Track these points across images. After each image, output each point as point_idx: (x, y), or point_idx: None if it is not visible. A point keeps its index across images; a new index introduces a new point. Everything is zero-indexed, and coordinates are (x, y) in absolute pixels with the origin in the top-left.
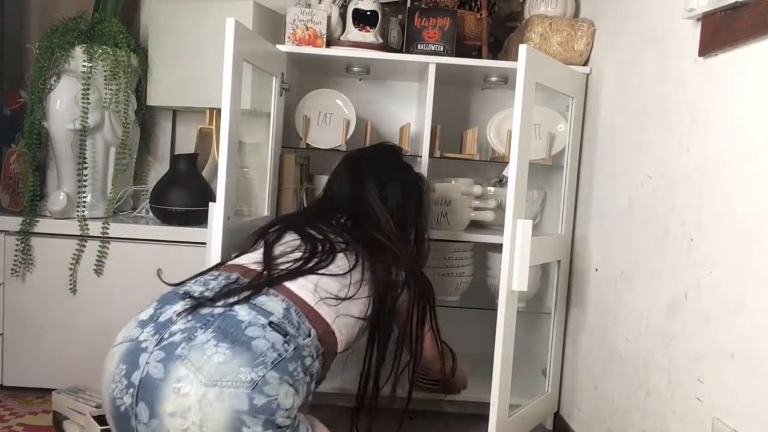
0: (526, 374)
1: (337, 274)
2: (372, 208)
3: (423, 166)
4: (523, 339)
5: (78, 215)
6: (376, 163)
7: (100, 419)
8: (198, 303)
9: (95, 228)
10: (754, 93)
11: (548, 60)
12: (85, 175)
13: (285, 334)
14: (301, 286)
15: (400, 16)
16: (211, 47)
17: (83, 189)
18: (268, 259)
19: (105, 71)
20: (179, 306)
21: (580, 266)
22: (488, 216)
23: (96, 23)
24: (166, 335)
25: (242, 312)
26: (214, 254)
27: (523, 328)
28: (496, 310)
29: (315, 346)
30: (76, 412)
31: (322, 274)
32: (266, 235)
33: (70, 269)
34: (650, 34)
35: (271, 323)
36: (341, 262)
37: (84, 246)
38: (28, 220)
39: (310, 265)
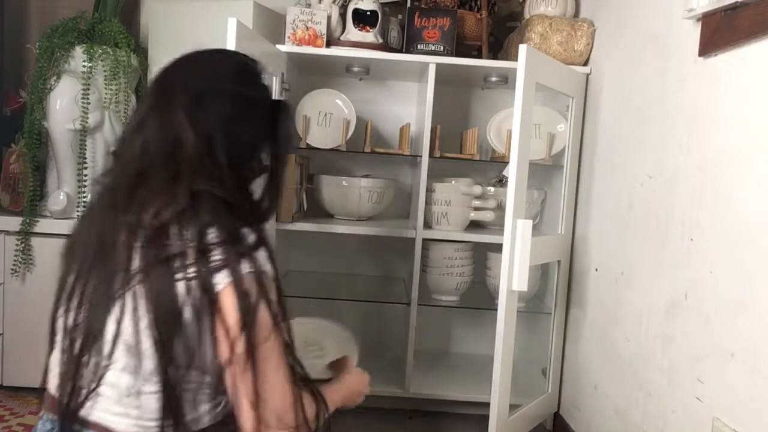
0: (526, 374)
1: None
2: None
3: (423, 166)
4: (523, 339)
5: (78, 215)
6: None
7: None
8: None
9: None
10: (754, 93)
11: (548, 60)
12: (85, 175)
13: None
14: (115, 414)
15: (400, 16)
16: (211, 47)
17: (83, 189)
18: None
19: (105, 71)
20: None
21: (580, 266)
22: (488, 216)
23: (96, 23)
24: None
25: None
26: None
27: (523, 328)
28: (496, 310)
29: None
30: None
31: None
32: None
33: None
34: (650, 34)
35: None
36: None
37: None
38: (28, 220)
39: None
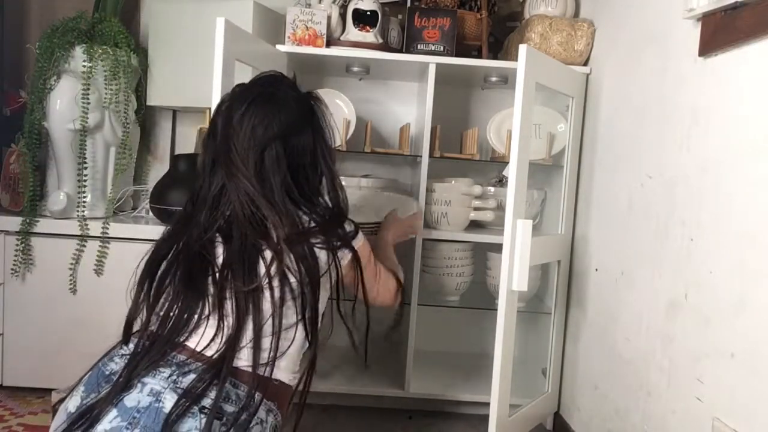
0: (526, 374)
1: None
2: (249, 200)
3: (423, 166)
4: (523, 339)
5: (78, 215)
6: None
7: None
8: (123, 385)
9: (95, 228)
10: (754, 93)
11: (548, 60)
12: (85, 175)
13: (221, 417)
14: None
15: (400, 16)
16: (211, 47)
17: (83, 189)
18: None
19: (105, 71)
20: (104, 395)
21: (580, 266)
22: (488, 216)
23: (96, 23)
24: None
25: (169, 403)
26: None
27: (523, 328)
28: (496, 310)
29: (263, 408)
30: None
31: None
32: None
33: (70, 269)
34: (650, 34)
35: (203, 409)
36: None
37: (84, 246)
38: (28, 220)
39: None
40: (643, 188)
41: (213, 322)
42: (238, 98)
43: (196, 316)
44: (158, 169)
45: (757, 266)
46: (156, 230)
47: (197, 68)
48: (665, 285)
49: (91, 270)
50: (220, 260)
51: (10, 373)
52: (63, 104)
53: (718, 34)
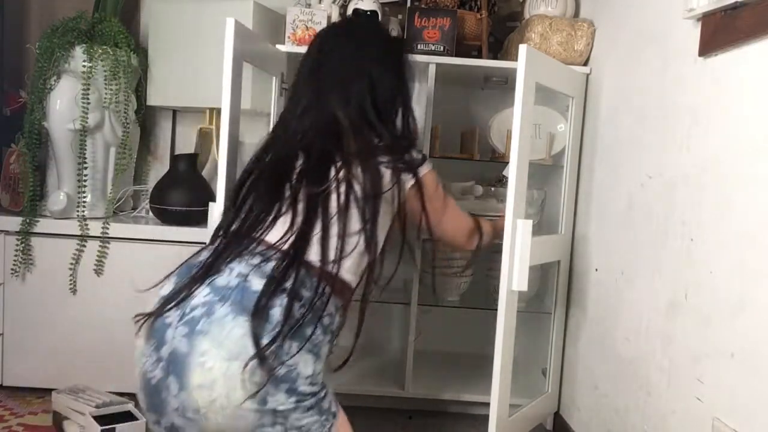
0: (526, 374)
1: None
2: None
3: None
4: (523, 339)
5: (78, 215)
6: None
7: (100, 419)
8: (213, 269)
9: (95, 228)
10: (754, 93)
11: (548, 60)
12: (85, 175)
13: (300, 299)
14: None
15: (400, 16)
16: (211, 47)
17: (83, 189)
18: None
19: (105, 71)
20: (195, 276)
21: (580, 266)
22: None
23: (96, 23)
24: (187, 310)
25: (256, 282)
26: None
27: (523, 328)
28: (496, 310)
29: (332, 304)
30: (76, 412)
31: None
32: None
33: (70, 269)
34: (650, 34)
35: (284, 290)
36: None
37: (84, 246)
38: (28, 220)
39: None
40: (643, 188)
41: (287, 219)
42: (336, 29)
43: (272, 216)
44: (158, 169)
45: (757, 266)
46: (156, 230)
47: (197, 68)
48: (665, 285)
49: (91, 270)
50: (298, 169)
51: (10, 373)
52: (63, 104)
53: (718, 34)
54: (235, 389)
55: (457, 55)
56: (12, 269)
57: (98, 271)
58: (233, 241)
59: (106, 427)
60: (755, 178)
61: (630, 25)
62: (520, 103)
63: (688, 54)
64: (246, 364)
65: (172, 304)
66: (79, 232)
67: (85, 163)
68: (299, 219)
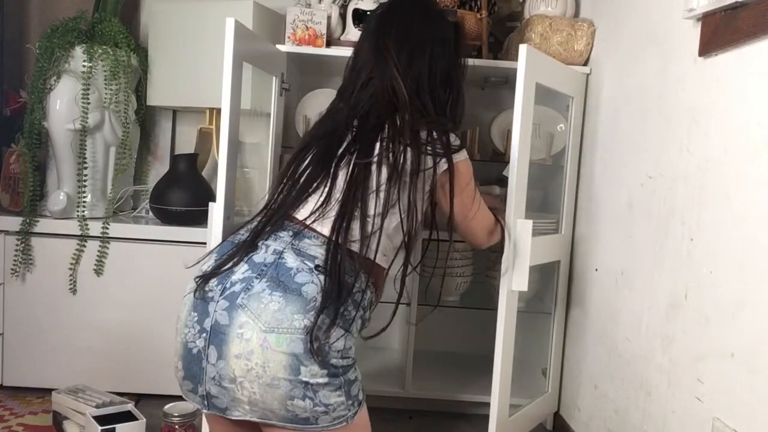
0: (526, 374)
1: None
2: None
3: None
4: (523, 339)
5: (78, 215)
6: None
7: (100, 419)
8: (250, 247)
9: (95, 228)
10: (754, 93)
11: (548, 60)
12: (85, 175)
13: (332, 276)
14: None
15: None
16: (211, 47)
17: (83, 189)
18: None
19: (105, 71)
20: (235, 253)
21: (580, 266)
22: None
23: (96, 23)
24: (228, 285)
25: (290, 259)
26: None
27: (523, 328)
28: (496, 310)
29: (363, 281)
30: (76, 412)
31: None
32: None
33: (70, 269)
34: (650, 34)
35: (317, 266)
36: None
37: (84, 246)
38: (28, 220)
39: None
40: (643, 188)
41: (325, 193)
42: (396, 4)
43: (315, 189)
44: (158, 169)
45: (757, 266)
46: (156, 230)
47: (197, 68)
48: (665, 285)
49: (91, 270)
50: (346, 142)
51: (10, 373)
52: (63, 104)
53: (718, 34)
54: (270, 359)
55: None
56: (12, 269)
57: (98, 271)
58: (270, 217)
59: (106, 427)
60: (755, 178)
61: (630, 25)
62: (520, 103)
63: (688, 54)
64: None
65: (215, 279)
66: (79, 232)
67: (85, 163)
68: (337, 195)
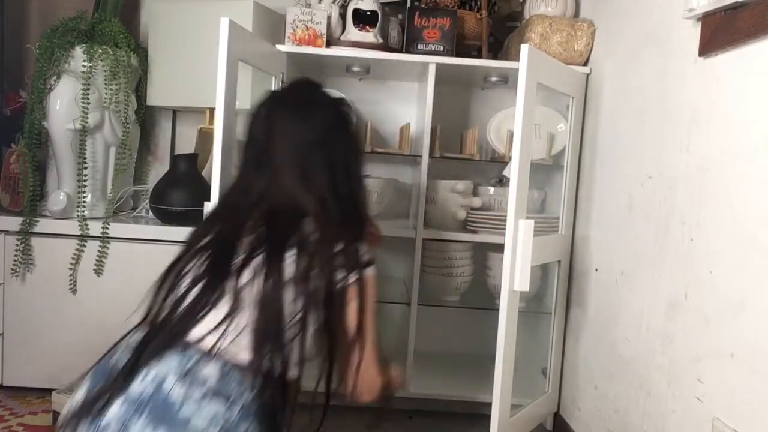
0: (527, 374)
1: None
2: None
3: (423, 166)
4: (524, 339)
5: (78, 215)
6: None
7: None
8: (129, 372)
9: (95, 228)
10: (754, 93)
11: (549, 60)
12: (85, 175)
13: (227, 399)
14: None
15: (400, 16)
16: (211, 47)
17: (83, 189)
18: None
19: (105, 71)
20: (110, 383)
21: (580, 266)
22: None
23: (96, 23)
24: (102, 425)
25: (175, 389)
26: None
27: (524, 328)
28: (496, 310)
29: (267, 394)
30: None
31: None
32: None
33: (70, 269)
34: (650, 34)
35: (205, 394)
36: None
37: (84, 246)
38: (28, 220)
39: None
40: (643, 188)
41: (224, 308)
42: (277, 104)
43: (210, 303)
44: (158, 169)
45: (757, 266)
46: (156, 230)
47: (197, 68)
48: (665, 285)
49: (91, 270)
50: (245, 254)
51: (10, 373)
52: (63, 104)
53: (718, 34)
54: None
55: (457, 55)
56: (12, 269)
57: (98, 271)
58: (156, 334)
59: None
60: (755, 178)
61: (630, 25)
62: (521, 103)
63: (688, 54)
64: None
65: (83, 425)
66: (79, 232)
67: (85, 163)
68: (240, 310)
